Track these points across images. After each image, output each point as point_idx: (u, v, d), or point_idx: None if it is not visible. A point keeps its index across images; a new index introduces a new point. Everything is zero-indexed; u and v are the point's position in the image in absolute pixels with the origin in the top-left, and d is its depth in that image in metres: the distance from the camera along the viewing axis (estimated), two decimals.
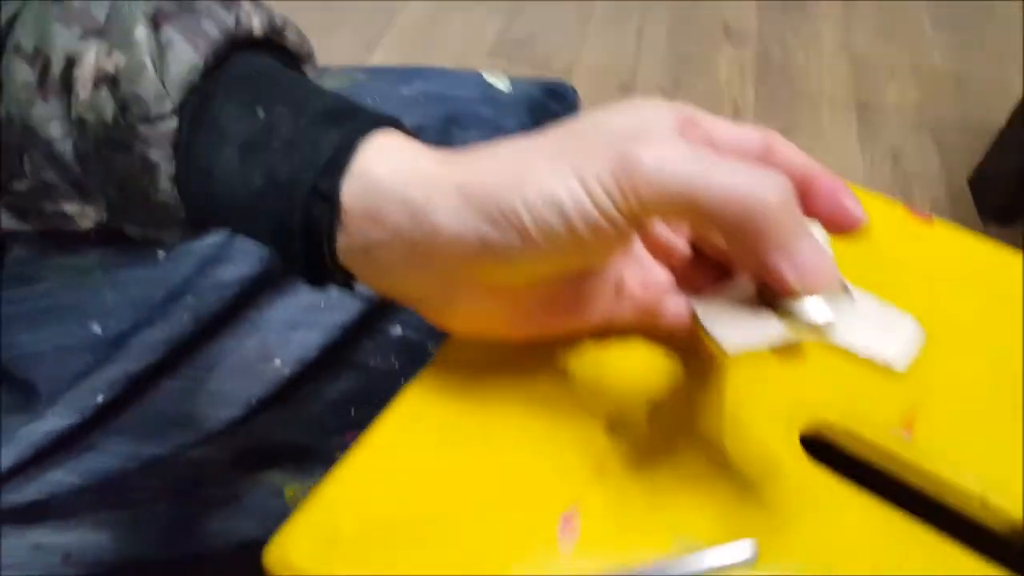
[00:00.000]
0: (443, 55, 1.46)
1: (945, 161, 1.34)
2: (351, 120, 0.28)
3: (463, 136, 0.52)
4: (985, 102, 1.43)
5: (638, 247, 0.32)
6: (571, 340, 0.33)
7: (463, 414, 0.31)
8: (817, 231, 0.28)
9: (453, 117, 0.53)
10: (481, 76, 0.58)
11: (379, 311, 0.46)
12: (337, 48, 1.41)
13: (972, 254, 0.39)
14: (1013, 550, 0.29)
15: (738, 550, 0.21)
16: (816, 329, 0.25)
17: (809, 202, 0.29)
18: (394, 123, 0.30)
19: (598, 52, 1.50)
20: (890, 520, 0.29)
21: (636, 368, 0.32)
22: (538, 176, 0.26)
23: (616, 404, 0.31)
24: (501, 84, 0.56)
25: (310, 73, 0.33)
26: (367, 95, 0.50)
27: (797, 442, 0.31)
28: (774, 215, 0.24)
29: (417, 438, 0.30)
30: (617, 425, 0.30)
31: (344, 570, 0.27)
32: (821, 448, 0.32)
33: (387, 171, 0.27)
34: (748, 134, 0.29)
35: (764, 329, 0.26)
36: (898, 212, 0.40)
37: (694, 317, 0.27)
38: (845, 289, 0.26)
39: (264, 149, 0.28)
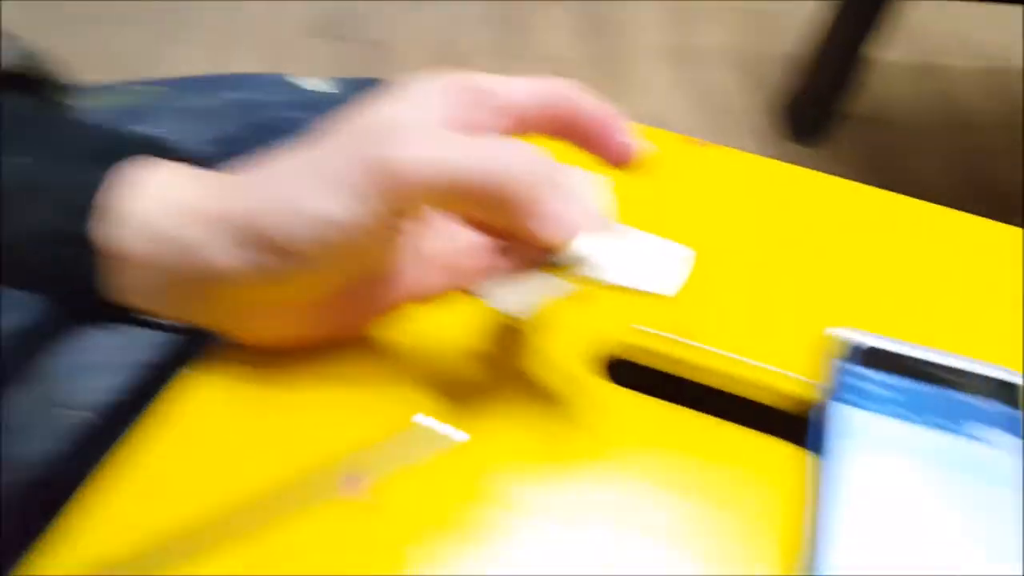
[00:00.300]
0: (254, 41, 1.42)
1: (757, 94, 1.44)
2: (106, 158, 0.27)
3: (276, 142, 0.52)
4: (790, 36, 1.54)
5: (439, 217, 0.33)
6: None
7: (236, 400, 0.31)
8: (583, 175, 0.31)
9: (266, 124, 0.51)
10: (283, 78, 0.57)
11: (194, 341, 0.45)
12: (132, 44, 1.35)
13: (744, 171, 0.44)
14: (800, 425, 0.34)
15: (454, 438, 0.22)
16: (589, 274, 0.27)
17: (595, 143, 0.31)
18: (155, 148, 0.29)
19: (418, 20, 1.50)
20: (691, 420, 0.32)
21: (438, 327, 0.35)
22: (303, 197, 0.26)
23: (423, 360, 0.34)
24: (311, 85, 0.56)
25: (68, 102, 0.32)
26: (170, 111, 0.48)
27: (598, 368, 0.34)
28: (521, 186, 0.26)
29: (191, 428, 0.30)
30: (422, 379, 0.33)
31: None
32: (625, 372, 0.36)
33: (150, 210, 0.27)
34: (531, 86, 0.30)
35: (544, 286, 0.28)
36: (673, 138, 0.44)
37: (478, 292, 0.29)
38: (612, 230, 0.28)
39: (13, 198, 0.27)
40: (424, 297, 0.34)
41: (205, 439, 0.30)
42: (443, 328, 0.34)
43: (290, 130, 0.51)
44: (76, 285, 0.27)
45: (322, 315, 0.30)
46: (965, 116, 1.45)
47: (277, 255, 0.26)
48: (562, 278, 0.28)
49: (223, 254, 0.26)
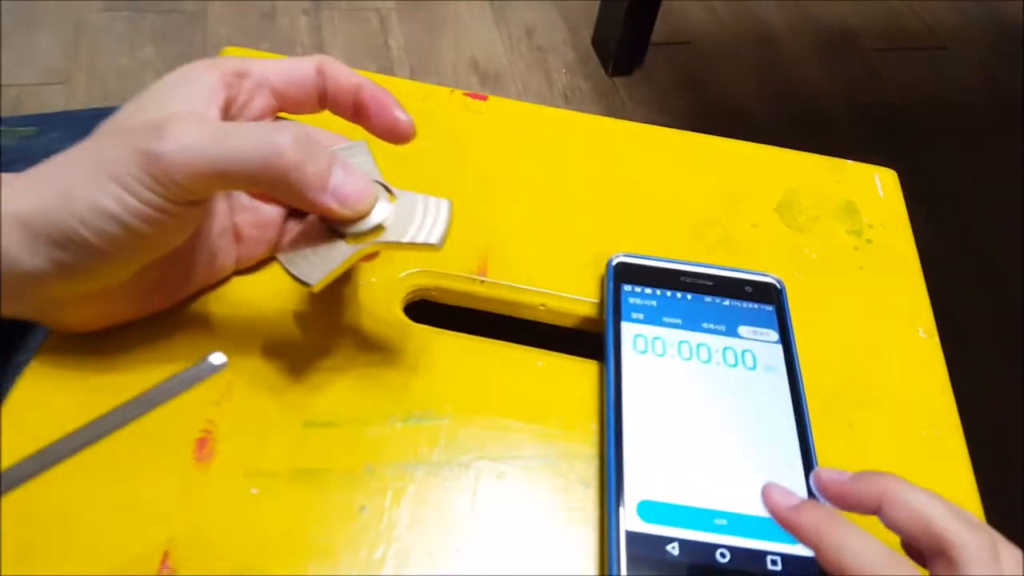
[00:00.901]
0: (53, 18, 1.33)
1: (571, 28, 1.48)
2: None
3: None
4: None
5: (244, 196, 0.35)
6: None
7: (76, 384, 0.32)
8: (347, 142, 0.33)
9: None
10: None
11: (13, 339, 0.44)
12: None
13: (522, 117, 0.47)
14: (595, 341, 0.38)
15: (211, 361, 0.24)
16: (374, 237, 0.30)
17: (364, 119, 0.33)
18: None
19: None
20: (488, 347, 0.36)
21: (255, 293, 0.36)
22: (83, 192, 0.27)
23: (242, 324, 0.35)
24: None
25: None
26: (40, 154, 0.45)
27: (400, 310, 0.37)
28: (294, 163, 0.27)
29: (27, 427, 0.31)
30: (235, 350, 0.35)
31: None
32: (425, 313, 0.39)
33: None
34: (300, 65, 0.33)
35: (335, 255, 0.30)
36: (457, 96, 0.47)
37: (282, 267, 0.30)
38: (387, 192, 0.31)
39: None
40: (238, 267, 0.36)
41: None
42: (260, 292, 0.36)
43: None
44: None
45: (144, 293, 0.32)
46: (765, 31, 1.56)
47: (67, 250, 0.27)
48: (351, 243, 0.30)
49: (22, 253, 0.27)
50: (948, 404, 0.36)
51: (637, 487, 0.31)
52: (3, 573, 0.27)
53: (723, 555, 0.30)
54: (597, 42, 1.42)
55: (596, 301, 0.38)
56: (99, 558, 0.28)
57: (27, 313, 0.31)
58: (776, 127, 1.34)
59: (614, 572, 0.29)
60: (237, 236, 0.35)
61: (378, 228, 0.30)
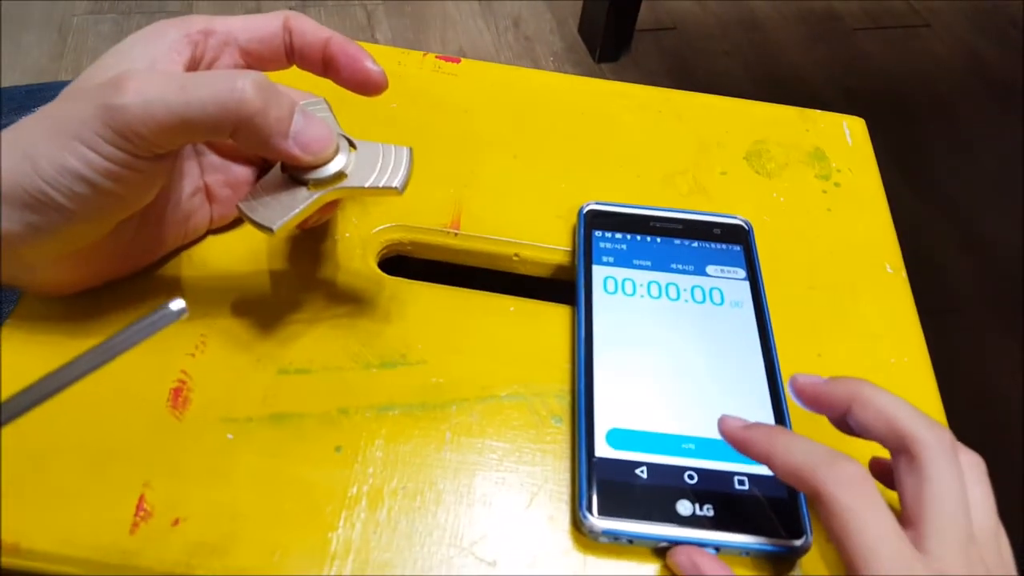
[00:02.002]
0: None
1: (557, 17, 1.49)
2: None
3: None
4: None
5: (214, 155, 0.35)
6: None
7: (50, 339, 0.33)
8: (309, 106, 0.33)
9: None
10: None
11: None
12: None
13: (495, 77, 0.47)
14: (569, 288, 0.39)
15: (170, 307, 0.24)
16: (335, 183, 0.31)
17: (333, 72, 0.33)
18: None
19: None
20: (461, 295, 0.37)
21: (228, 252, 0.37)
22: (47, 152, 0.27)
23: (215, 283, 0.36)
24: None
25: None
26: None
27: (375, 264, 0.37)
28: (256, 108, 0.27)
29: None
30: (211, 304, 0.35)
31: None
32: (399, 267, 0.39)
33: None
34: (267, 21, 0.33)
35: (296, 200, 0.30)
36: (430, 60, 0.47)
37: (243, 214, 0.31)
38: (349, 143, 0.32)
39: None
40: (211, 227, 0.36)
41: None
42: (233, 249, 0.36)
43: None
44: None
45: (120, 253, 0.32)
46: (750, 14, 1.56)
47: (37, 212, 0.27)
48: (312, 190, 0.31)
49: None
50: (916, 334, 0.37)
51: (606, 417, 0.31)
52: None
53: (691, 476, 0.30)
54: (583, 30, 1.43)
55: (569, 249, 0.39)
56: (75, 502, 0.29)
57: (1, 278, 0.31)
58: None
59: (584, 496, 0.29)
60: (209, 196, 0.35)
61: (339, 175, 0.31)
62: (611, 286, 0.36)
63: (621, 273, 0.36)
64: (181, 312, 0.24)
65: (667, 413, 0.32)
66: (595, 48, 1.40)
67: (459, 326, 0.35)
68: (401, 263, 0.40)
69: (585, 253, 0.37)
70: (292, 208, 0.30)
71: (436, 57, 0.47)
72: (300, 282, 0.36)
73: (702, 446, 0.31)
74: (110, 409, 0.31)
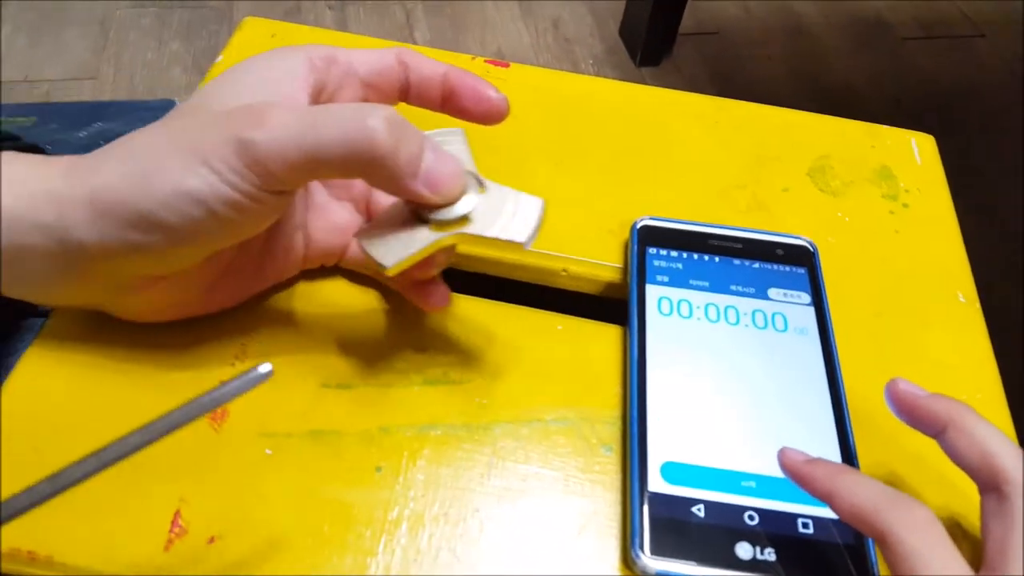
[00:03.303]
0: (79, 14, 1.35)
1: (598, 20, 1.47)
2: None
3: None
4: None
5: (320, 195, 0.34)
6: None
7: (85, 360, 0.32)
8: (443, 137, 0.31)
9: None
10: (174, 103, 0.55)
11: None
12: None
13: (546, 83, 0.46)
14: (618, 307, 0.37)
15: (258, 371, 0.23)
16: (458, 227, 0.28)
17: (453, 104, 0.32)
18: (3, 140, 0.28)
19: None
20: (507, 311, 0.35)
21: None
22: (166, 173, 0.26)
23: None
24: None
25: None
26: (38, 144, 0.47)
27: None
28: (387, 149, 0.26)
29: (41, 397, 0.31)
30: (252, 315, 0.34)
31: None
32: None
33: (8, 200, 0.26)
34: (383, 56, 0.32)
35: (416, 239, 0.29)
36: (479, 63, 0.46)
37: (360, 246, 0.29)
38: (478, 183, 0.30)
39: None
40: (303, 269, 0.34)
41: (63, 404, 0.31)
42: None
43: None
44: None
45: (208, 286, 0.31)
46: (796, 21, 1.53)
47: (143, 230, 0.26)
48: (433, 230, 0.29)
49: (91, 233, 0.26)
50: (990, 368, 0.35)
51: (660, 448, 0.30)
52: (12, 549, 0.27)
53: (751, 517, 0.28)
54: (625, 33, 1.41)
55: (621, 266, 0.37)
56: (110, 516, 0.28)
57: (90, 297, 0.30)
58: None
59: (637, 533, 0.28)
60: (306, 236, 0.33)
61: (464, 218, 0.29)
62: (666, 307, 0.34)
63: (676, 294, 0.35)
64: (268, 375, 0.24)
65: (726, 447, 0.30)
66: (636, 51, 1.38)
67: (505, 343, 0.34)
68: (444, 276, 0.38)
69: (638, 271, 0.35)
70: (409, 248, 0.28)
71: (485, 61, 0.46)
72: (343, 294, 0.35)
73: (763, 484, 0.29)
74: (149, 419, 0.30)
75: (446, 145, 0.30)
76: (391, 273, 0.28)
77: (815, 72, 1.44)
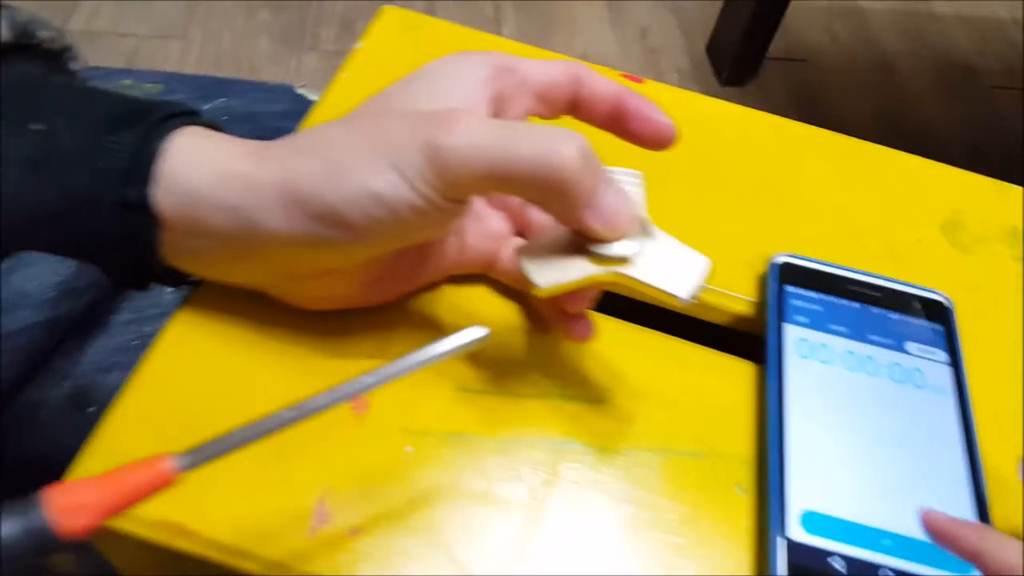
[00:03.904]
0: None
1: (686, 33, 1.46)
2: (141, 120, 0.27)
3: None
4: None
5: (477, 202, 0.34)
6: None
7: (234, 330, 0.32)
8: (623, 171, 0.31)
9: (262, 134, 0.50)
10: (292, 89, 0.56)
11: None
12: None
13: (681, 104, 0.45)
14: (749, 341, 0.37)
15: (475, 333, 0.24)
16: (618, 266, 0.28)
17: (620, 126, 0.32)
18: (190, 115, 0.29)
19: None
20: (644, 336, 0.35)
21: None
22: (356, 171, 0.26)
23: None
24: (315, 96, 0.55)
25: (76, 69, 0.31)
26: None
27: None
28: (573, 176, 0.26)
29: (191, 361, 0.31)
30: (394, 312, 0.34)
31: None
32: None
33: (200, 176, 0.27)
34: (558, 69, 0.32)
35: (573, 268, 0.28)
36: (615, 76, 0.46)
37: (517, 259, 0.29)
38: (645, 228, 0.29)
39: (50, 164, 0.26)
40: (453, 274, 0.34)
41: (212, 367, 0.31)
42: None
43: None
44: (132, 249, 0.28)
45: (369, 281, 0.31)
46: (883, 57, 1.51)
47: (327, 224, 0.26)
48: (593, 263, 0.28)
49: (277, 221, 0.26)
50: None
51: (801, 496, 0.29)
52: (162, 520, 0.27)
53: None
54: (712, 49, 1.40)
55: (751, 299, 0.37)
56: (258, 496, 0.28)
57: (258, 280, 0.30)
58: None
59: None
60: (461, 243, 0.34)
61: (625, 259, 0.28)
62: (805, 349, 0.34)
63: (816, 337, 0.34)
64: (486, 337, 0.25)
65: (863, 500, 0.30)
66: (722, 70, 1.37)
67: (641, 368, 0.34)
68: None
69: (777, 309, 0.35)
70: (566, 275, 0.28)
71: (621, 75, 0.46)
72: (486, 302, 0.35)
73: (899, 544, 0.29)
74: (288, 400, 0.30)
75: (624, 185, 0.30)
76: (542, 295, 0.28)
77: (899, 111, 1.42)
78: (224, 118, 0.50)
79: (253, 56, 1.28)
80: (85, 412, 0.43)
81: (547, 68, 0.32)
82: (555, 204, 0.27)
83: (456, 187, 0.26)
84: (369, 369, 0.31)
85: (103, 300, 0.47)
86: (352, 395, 0.24)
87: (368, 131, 0.27)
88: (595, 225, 0.27)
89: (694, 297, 0.28)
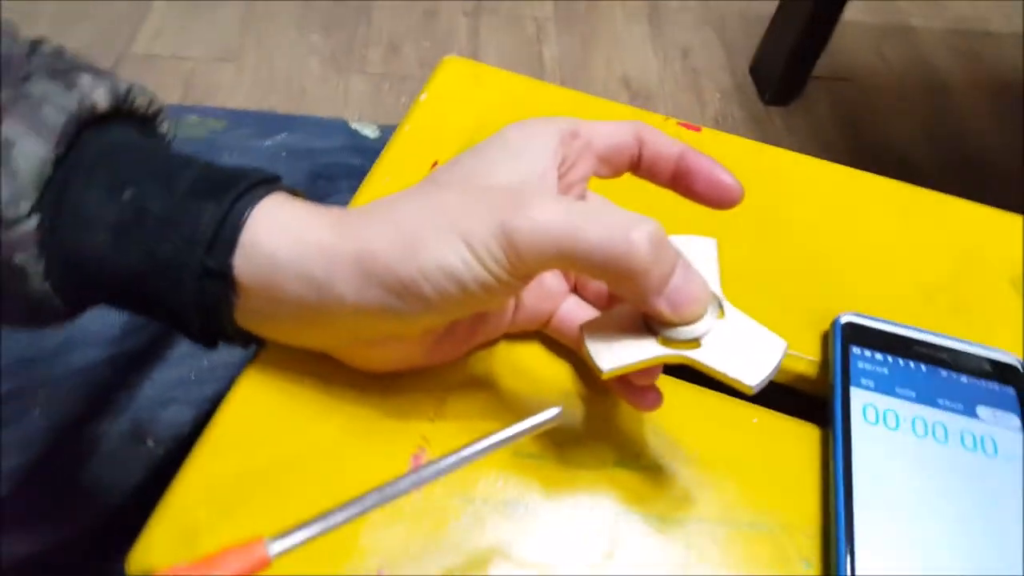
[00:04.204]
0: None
1: (729, 53, 1.44)
2: (227, 189, 0.28)
3: (331, 189, 0.51)
4: None
5: None
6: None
7: (299, 390, 0.32)
8: (696, 241, 0.31)
9: (319, 171, 0.51)
10: (347, 124, 0.57)
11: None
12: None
13: (739, 154, 0.45)
14: (811, 402, 0.36)
15: (549, 414, 0.25)
16: (687, 349, 0.28)
17: (688, 184, 0.32)
18: (272, 183, 0.29)
19: None
20: (700, 397, 0.34)
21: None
22: (431, 247, 0.26)
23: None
24: (369, 131, 0.56)
25: (165, 131, 0.32)
26: (225, 150, 0.49)
27: None
28: (642, 266, 0.26)
29: (258, 422, 0.31)
30: (451, 372, 0.34)
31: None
32: None
33: (280, 244, 0.27)
34: (621, 130, 0.32)
35: (639, 350, 0.28)
36: (671, 125, 0.45)
37: (580, 338, 0.29)
38: (720, 307, 0.29)
39: (138, 230, 0.27)
40: (503, 332, 0.34)
41: (278, 429, 0.31)
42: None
43: (345, 176, 0.53)
44: (210, 313, 0.28)
45: (431, 345, 0.31)
46: (934, 77, 1.48)
47: (400, 296, 0.27)
48: (660, 345, 0.28)
49: (353, 292, 0.27)
50: None
51: (870, 571, 0.28)
52: None
53: None
54: (756, 69, 1.38)
55: (812, 359, 0.36)
56: (321, 559, 0.28)
57: (326, 344, 0.31)
58: (942, 178, 1.27)
59: None
60: (518, 301, 0.33)
61: (695, 341, 0.28)
62: (871, 415, 0.33)
63: (883, 402, 0.33)
64: (558, 416, 0.26)
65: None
66: (766, 90, 1.35)
67: (698, 432, 0.33)
68: None
69: (843, 372, 0.34)
70: (631, 357, 0.28)
71: (678, 124, 0.45)
72: (539, 361, 0.34)
73: None
74: (361, 468, 0.30)
75: (694, 255, 0.29)
76: (605, 378, 0.28)
77: (949, 132, 1.38)
78: (283, 154, 0.51)
79: (304, 78, 1.29)
80: (144, 445, 0.44)
81: (610, 129, 0.32)
82: (623, 288, 0.27)
83: (524, 267, 0.26)
84: (427, 433, 0.31)
85: (163, 334, 0.48)
86: (432, 478, 0.24)
87: (443, 206, 0.27)
88: (665, 311, 0.27)
89: (764, 384, 0.27)
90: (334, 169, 0.45)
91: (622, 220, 0.26)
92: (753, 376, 0.27)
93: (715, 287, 0.29)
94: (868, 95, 1.41)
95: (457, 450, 0.25)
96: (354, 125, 0.57)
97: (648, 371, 0.29)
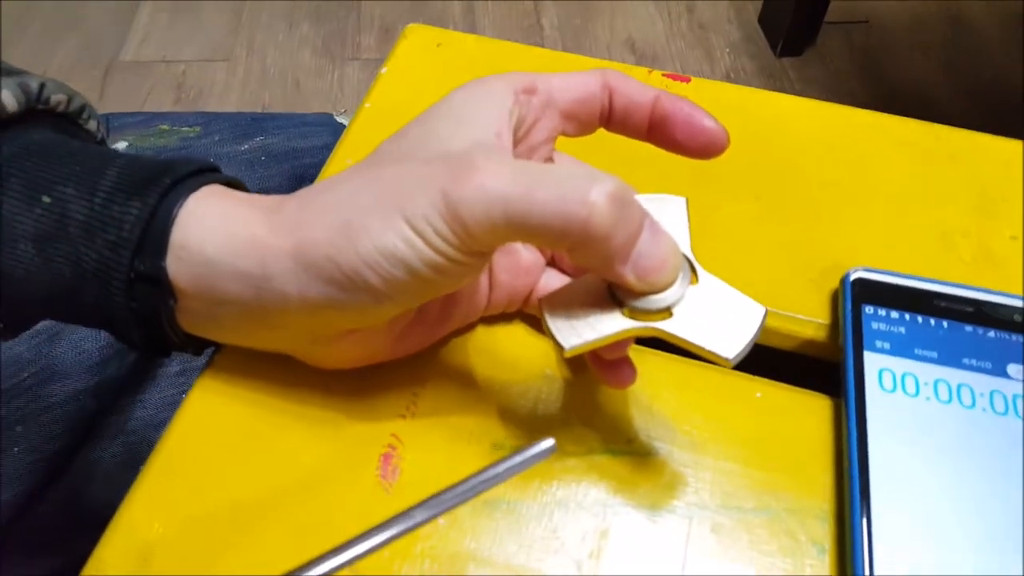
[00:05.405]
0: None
1: (735, 5, 1.39)
2: (153, 185, 0.25)
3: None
4: None
5: None
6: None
7: (258, 396, 0.30)
8: (662, 201, 0.28)
9: (301, 173, 0.49)
10: (332, 118, 0.54)
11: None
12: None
13: (737, 102, 0.41)
14: (820, 370, 0.33)
15: (542, 446, 0.22)
16: (657, 320, 0.25)
17: (663, 134, 0.29)
18: (203, 174, 0.27)
19: None
20: (697, 372, 0.31)
21: None
22: (370, 230, 0.24)
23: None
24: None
25: (94, 129, 0.30)
26: (200, 153, 0.47)
27: None
28: (603, 229, 0.23)
29: (215, 432, 0.29)
30: (424, 363, 0.31)
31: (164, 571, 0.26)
32: None
33: (211, 243, 0.25)
34: (585, 82, 0.28)
35: (604, 324, 0.25)
36: (656, 77, 0.42)
37: (541, 314, 0.26)
38: (693, 271, 0.26)
39: (61, 238, 0.25)
40: (485, 315, 0.32)
41: (237, 435, 0.29)
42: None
43: None
44: (149, 320, 0.26)
45: (396, 337, 0.29)
46: (953, 10, 1.41)
47: (345, 288, 0.24)
48: (627, 317, 0.25)
49: (294, 286, 0.25)
50: None
51: (891, 558, 0.25)
52: None
53: None
54: (764, 19, 1.33)
55: (822, 322, 0.33)
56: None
57: (281, 345, 0.29)
58: (969, 120, 1.21)
59: None
60: (491, 279, 0.31)
61: (665, 311, 0.25)
62: (888, 381, 0.29)
63: (900, 365, 0.30)
64: (551, 450, 0.22)
65: (963, 561, 0.25)
66: (777, 41, 1.29)
67: (695, 410, 0.30)
68: None
69: (854, 335, 0.31)
70: (596, 332, 0.25)
71: (663, 75, 0.42)
72: (521, 344, 0.32)
73: None
74: (325, 472, 0.28)
75: (662, 216, 0.26)
76: (568, 356, 0.25)
77: (974, 69, 1.32)
78: (262, 158, 0.48)
79: (297, 71, 1.27)
80: (138, 470, 0.43)
81: (574, 82, 0.28)
82: (583, 256, 0.24)
83: (475, 241, 0.23)
84: (398, 432, 0.29)
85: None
86: (426, 521, 0.22)
87: (382, 184, 0.25)
88: (629, 278, 0.24)
89: (742, 356, 0.24)
90: (317, 170, 0.42)
91: (578, 179, 0.23)
92: (730, 347, 0.24)
93: (686, 250, 0.26)
94: (886, 37, 1.35)
95: (438, 493, 0.22)
96: (340, 119, 0.54)
97: (618, 344, 0.26)
